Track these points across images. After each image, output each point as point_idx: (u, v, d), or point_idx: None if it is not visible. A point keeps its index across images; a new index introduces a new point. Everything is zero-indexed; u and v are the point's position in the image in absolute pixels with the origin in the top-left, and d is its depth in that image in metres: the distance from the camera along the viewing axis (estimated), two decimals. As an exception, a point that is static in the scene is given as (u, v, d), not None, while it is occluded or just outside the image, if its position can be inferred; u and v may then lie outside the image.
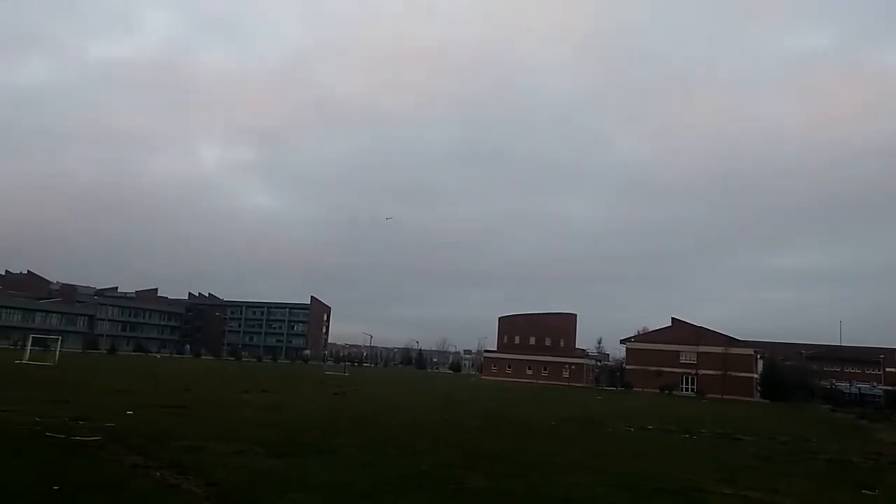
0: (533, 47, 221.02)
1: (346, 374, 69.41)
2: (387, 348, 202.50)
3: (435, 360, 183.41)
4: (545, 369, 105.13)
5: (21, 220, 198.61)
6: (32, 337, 63.14)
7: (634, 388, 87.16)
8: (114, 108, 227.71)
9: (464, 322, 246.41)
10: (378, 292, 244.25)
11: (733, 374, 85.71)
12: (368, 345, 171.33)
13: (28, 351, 55.26)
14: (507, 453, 15.81)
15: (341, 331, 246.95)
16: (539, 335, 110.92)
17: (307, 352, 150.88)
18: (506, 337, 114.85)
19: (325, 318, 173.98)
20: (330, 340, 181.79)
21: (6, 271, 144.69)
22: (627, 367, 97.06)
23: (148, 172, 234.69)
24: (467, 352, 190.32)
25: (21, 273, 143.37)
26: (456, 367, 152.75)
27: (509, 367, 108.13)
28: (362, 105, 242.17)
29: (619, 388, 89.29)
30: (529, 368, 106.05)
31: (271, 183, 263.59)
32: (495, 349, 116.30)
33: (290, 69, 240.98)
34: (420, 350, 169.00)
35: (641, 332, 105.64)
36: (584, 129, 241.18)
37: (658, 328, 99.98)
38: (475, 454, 15.27)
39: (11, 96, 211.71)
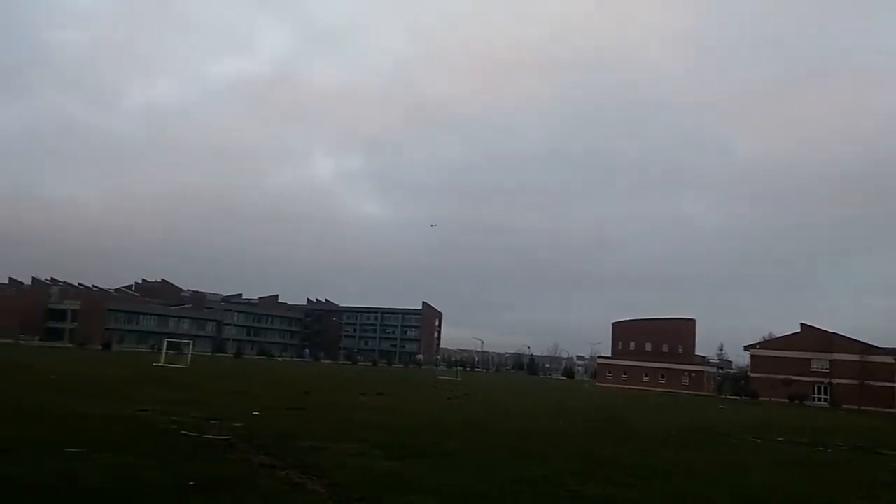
0: (643, 43, 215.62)
1: (459, 379, 69.89)
2: (498, 353, 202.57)
3: (547, 365, 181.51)
4: (662, 376, 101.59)
5: (155, 232, 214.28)
6: (167, 341, 67.61)
7: (760, 398, 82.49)
8: (233, 123, 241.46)
9: (576, 327, 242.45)
10: (489, 298, 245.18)
11: (871, 383, 79.32)
12: (480, 350, 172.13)
13: (163, 354, 59.22)
14: (625, 461, 15.31)
15: (453, 336, 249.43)
16: (656, 341, 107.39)
17: (420, 356, 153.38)
18: (620, 343, 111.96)
19: (437, 323, 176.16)
20: (442, 345, 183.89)
21: (143, 280, 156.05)
22: (752, 375, 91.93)
23: (267, 184, 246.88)
24: (580, 358, 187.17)
25: (156, 281, 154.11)
26: (569, 373, 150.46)
27: (625, 373, 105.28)
28: (467, 109, 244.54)
29: (744, 398, 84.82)
30: (646, 375, 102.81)
31: (381, 190, 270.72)
32: (609, 355, 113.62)
33: (396, 78, 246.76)
34: (532, 356, 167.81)
35: (767, 339, 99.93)
36: (702, 127, 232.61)
37: (785, 334, 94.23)
38: (591, 461, 14.90)
39: (144, 115, 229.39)
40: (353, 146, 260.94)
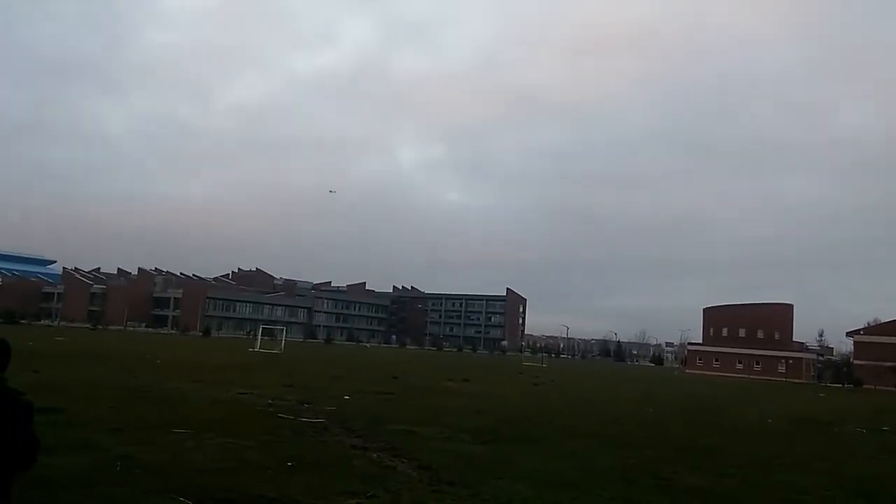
0: (738, 19, 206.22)
1: (544, 366, 69.58)
2: (584, 340, 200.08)
3: (634, 352, 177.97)
4: (758, 363, 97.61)
5: (249, 223, 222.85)
6: (262, 327, 70.36)
7: (865, 386, 78.14)
8: (320, 116, 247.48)
9: (665, 313, 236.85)
10: (574, 283, 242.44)
11: None
12: (565, 336, 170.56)
13: (259, 340, 61.72)
14: (719, 450, 14.94)
15: (538, 322, 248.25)
16: (750, 327, 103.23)
17: (504, 342, 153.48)
18: (712, 329, 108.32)
19: (521, 309, 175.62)
20: (526, 332, 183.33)
21: (238, 269, 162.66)
22: (856, 362, 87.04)
23: (353, 174, 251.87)
24: (669, 344, 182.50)
25: (251, 270, 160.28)
26: (657, 359, 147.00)
27: (716, 360, 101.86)
28: (557, 95, 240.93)
29: (846, 386, 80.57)
30: (740, 362, 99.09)
31: (465, 178, 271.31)
32: (700, 342, 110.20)
33: (483, 65, 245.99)
34: (619, 342, 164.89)
35: (872, 324, 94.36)
36: (800, 104, 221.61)
37: (893, 319, 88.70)
38: (684, 449, 14.60)
39: (236, 112, 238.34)
40: (438, 135, 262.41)
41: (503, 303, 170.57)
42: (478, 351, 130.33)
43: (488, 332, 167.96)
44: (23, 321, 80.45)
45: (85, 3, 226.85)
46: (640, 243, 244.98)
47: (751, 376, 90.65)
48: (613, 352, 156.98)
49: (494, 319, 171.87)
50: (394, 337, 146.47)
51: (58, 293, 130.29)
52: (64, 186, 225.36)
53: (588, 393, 33.82)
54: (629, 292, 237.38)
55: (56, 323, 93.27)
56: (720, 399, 37.22)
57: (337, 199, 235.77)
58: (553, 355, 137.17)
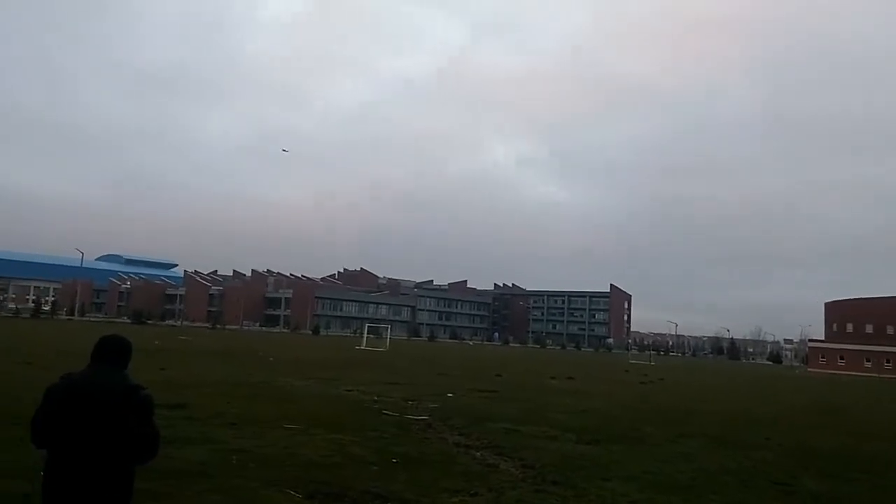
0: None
1: (652, 363, 67.60)
2: (694, 337, 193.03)
3: (750, 349, 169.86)
4: (888, 361, 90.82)
5: (353, 224, 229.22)
6: (367, 326, 72.16)
7: None
8: (414, 116, 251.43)
9: (782, 308, 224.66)
10: (682, 278, 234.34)
11: None
12: (674, 333, 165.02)
13: (365, 338, 63.33)
14: (844, 453, 13.97)
15: (644, 318, 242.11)
16: (879, 322, 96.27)
17: (610, 340, 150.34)
18: (835, 324, 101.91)
19: (626, 305, 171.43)
20: (632, 329, 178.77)
21: (344, 269, 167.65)
22: None
23: (449, 173, 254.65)
24: (787, 341, 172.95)
25: (356, 270, 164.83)
26: (775, 357, 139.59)
27: (841, 358, 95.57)
28: (649, 83, 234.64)
29: None
30: (868, 360, 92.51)
31: (564, 173, 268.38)
32: (822, 338, 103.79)
33: (576, 57, 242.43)
34: (732, 339, 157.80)
35: None
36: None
37: None
38: (806, 452, 13.75)
39: (335, 116, 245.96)
40: (534, 130, 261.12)
41: (607, 299, 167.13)
42: (582, 349, 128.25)
43: (592, 330, 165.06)
44: (149, 321, 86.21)
45: (189, 16, 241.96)
46: (749, 234, 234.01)
47: (881, 375, 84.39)
48: (727, 349, 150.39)
49: (598, 316, 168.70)
50: (496, 334, 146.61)
51: (180, 295, 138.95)
52: (181, 193, 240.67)
53: (699, 392, 32.53)
54: (741, 287, 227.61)
55: (179, 323, 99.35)
56: (845, 399, 34.86)
57: (436, 199, 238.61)
58: (661, 353, 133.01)
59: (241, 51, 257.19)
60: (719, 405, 24.74)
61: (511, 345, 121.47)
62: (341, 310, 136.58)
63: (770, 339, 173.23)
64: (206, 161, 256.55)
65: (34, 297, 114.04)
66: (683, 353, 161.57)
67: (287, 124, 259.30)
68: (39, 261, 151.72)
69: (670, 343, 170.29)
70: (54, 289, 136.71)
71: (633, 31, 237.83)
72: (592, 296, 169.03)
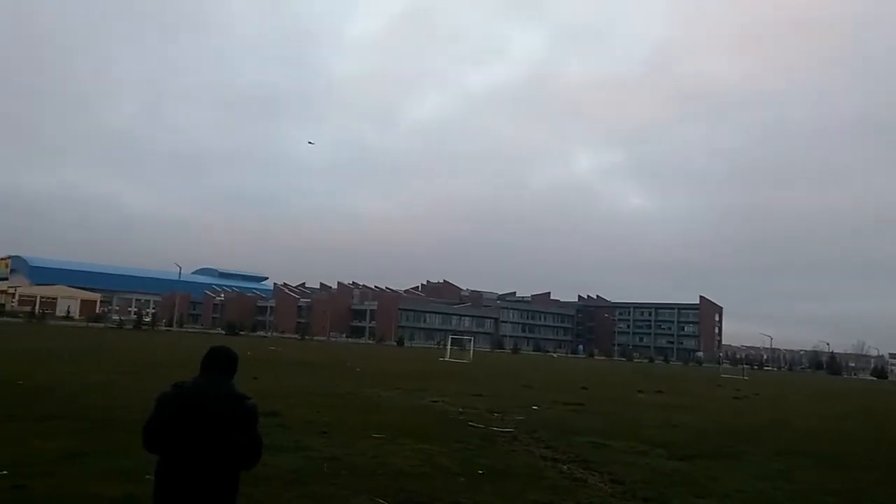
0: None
1: (746, 378, 64.85)
2: (790, 350, 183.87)
3: (852, 364, 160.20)
4: None
5: (436, 236, 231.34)
6: (451, 337, 72.46)
7: None
8: (496, 128, 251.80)
9: (887, 321, 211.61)
10: (776, 289, 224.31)
11: None
12: (768, 346, 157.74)
13: (448, 350, 63.60)
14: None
15: (735, 331, 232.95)
16: None
17: (700, 353, 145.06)
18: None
19: (717, 318, 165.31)
20: (724, 342, 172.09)
21: (427, 281, 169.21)
22: None
23: (532, 184, 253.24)
24: (893, 356, 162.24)
25: (438, 282, 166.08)
26: (879, 373, 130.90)
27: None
28: (733, 89, 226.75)
29: None
30: None
31: (647, 182, 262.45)
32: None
33: (656, 65, 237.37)
34: (832, 353, 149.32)
35: None
36: None
37: None
38: (919, 476, 12.85)
39: (418, 130, 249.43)
40: (614, 139, 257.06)
41: (696, 311, 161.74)
42: (670, 362, 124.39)
43: (681, 343, 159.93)
44: (241, 332, 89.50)
45: (278, 38, 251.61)
46: (847, 243, 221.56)
47: None
48: (826, 364, 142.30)
49: (687, 329, 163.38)
50: (581, 347, 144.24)
51: (270, 307, 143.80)
52: (271, 209, 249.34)
53: (798, 407, 30.94)
54: (841, 298, 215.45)
55: (269, 334, 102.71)
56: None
57: (518, 210, 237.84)
58: (755, 367, 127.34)
59: (328, 70, 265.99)
60: (819, 422, 23.46)
61: (596, 357, 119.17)
62: (425, 321, 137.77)
63: (874, 353, 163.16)
64: (295, 177, 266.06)
65: (136, 310, 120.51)
66: (779, 368, 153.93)
67: (373, 139, 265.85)
68: (141, 275, 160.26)
69: (765, 357, 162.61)
70: (154, 301, 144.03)
71: (716, 37, 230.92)
72: (681, 308, 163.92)
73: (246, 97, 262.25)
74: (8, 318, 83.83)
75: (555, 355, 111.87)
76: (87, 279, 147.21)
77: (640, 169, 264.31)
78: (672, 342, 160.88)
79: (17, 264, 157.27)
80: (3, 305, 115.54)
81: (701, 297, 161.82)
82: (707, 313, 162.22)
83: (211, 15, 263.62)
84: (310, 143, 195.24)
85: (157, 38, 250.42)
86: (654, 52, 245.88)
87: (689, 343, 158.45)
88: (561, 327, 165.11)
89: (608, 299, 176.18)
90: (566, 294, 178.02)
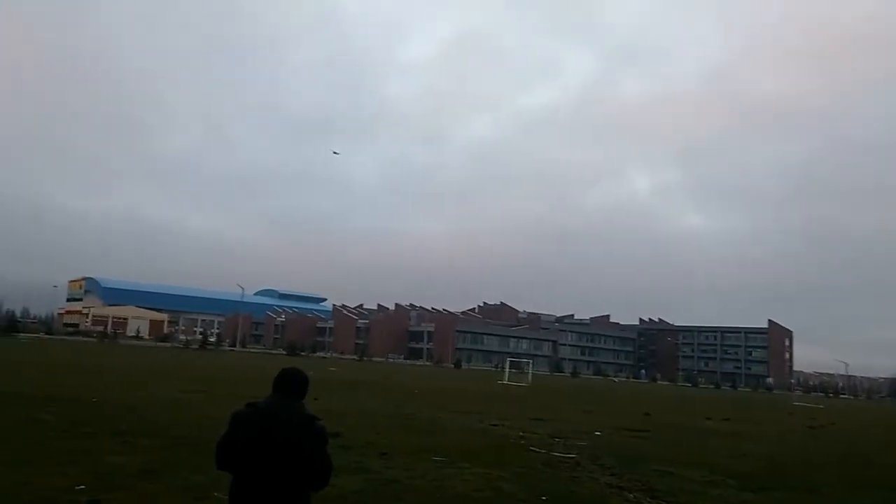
0: None
1: (820, 406, 62.13)
2: (868, 378, 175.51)
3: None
4: None
5: (492, 258, 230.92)
6: (509, 360, 71.88)
7: None
8: (550, 148, 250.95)
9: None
10: (852, 313, 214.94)
11: None
12: (844, 373, 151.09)
13: (507, 372, 63.08)
14: None
15: (807, 357, 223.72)
16: None
17: (769, 379, 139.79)
18: None
19: (787, 342, 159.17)
20: (795, 368, 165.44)
21: (484, 303, 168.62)
22: None
23: (587, 204, 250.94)
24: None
25: (495, 304, 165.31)
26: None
27: None
28: (791, 104, 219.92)
29: None
30: None
31: (706, 201, 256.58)
32: None
33: (710, 81, 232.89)
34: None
35: None
36: None
37: None
38: None
39: (470, 151, 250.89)
40: (671, 158, 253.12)
41: (765, 335, 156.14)
42: (738, 388, 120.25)
43: (749, 368, 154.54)
44: (302, 353, 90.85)
45: (333, 63, 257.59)
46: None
47: None
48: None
49: (755, 354, 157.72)
50: (643, 371, 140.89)
51: (329, 328, 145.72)
52: (328, 230, 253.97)
53: (878, 438, 29.40)
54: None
55: (329, 355, 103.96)
56: None
57: (574, 231, 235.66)
58: (829, 395, 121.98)
59: (382, 93, 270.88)
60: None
61: (659, 382, 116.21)
62: (482, 343, 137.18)
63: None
64: (350, 198, 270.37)
65: (201, 330, 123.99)
66: (856, 396, 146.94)
67: (426, 161, 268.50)
68: (205, 295, 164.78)
69: (840, 384, 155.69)
70: (218, 322, 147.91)
71: (772, 50, 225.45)
72: (748, 332, 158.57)
73: (302, 120, 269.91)
74: (82, 338, 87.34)
75: (616, 380, 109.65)
76: (154, 300, 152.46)
77: (699, 187, 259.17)
78: (739, 367, 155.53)
79: (91, 286, 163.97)
80: (78, 325, 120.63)
81: (769, 320, 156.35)
82: (776, 337, 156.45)
83: (268, 41, 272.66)
84: (335, 153, 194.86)
85: (216, 64, 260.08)
86: (710, 69, 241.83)
87: (758, 369, 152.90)
88: (622, 351, 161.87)
89: (671, 322, 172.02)
90: (626, 317, 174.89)
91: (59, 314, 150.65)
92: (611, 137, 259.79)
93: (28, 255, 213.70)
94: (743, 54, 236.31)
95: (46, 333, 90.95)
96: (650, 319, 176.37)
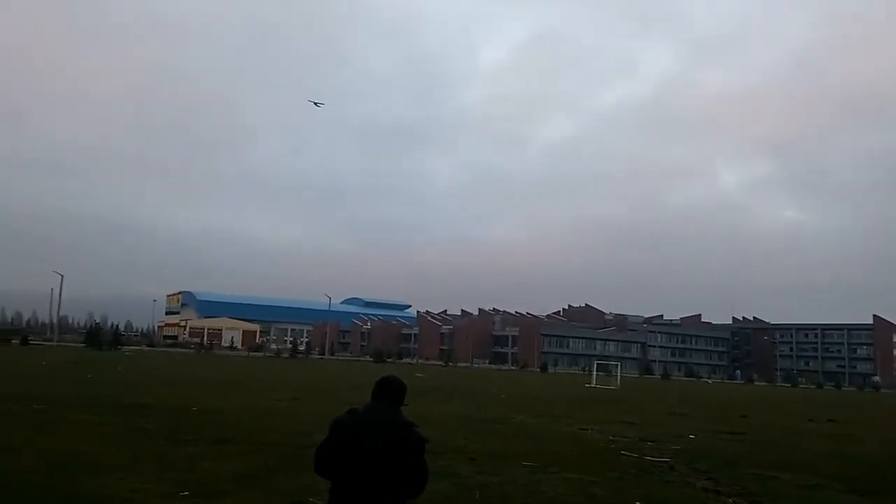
0: None
1: (934, 405, 58.05)
2: None
3: None
4: None
5: (573, 260, 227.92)
6: (596, 363, 70.70)
7: None
8: (631, 146, 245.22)
9: None
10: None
11: None
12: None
13: (594, 375, 62.05)
14: None
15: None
16: None
17: (876, 378, 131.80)
18: None
19: (894, 339, 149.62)
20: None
21: (568, 305, 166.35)
22: None
23: (673, 203, 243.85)
24: None
25: (580, 306, 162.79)
26: None
27: None
28: (888, 91, 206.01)
29: None
30: None
31: (800, 195, 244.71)
32: None
33: (800, 69, 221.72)
34: None
35: None
36: None
37: None
38: None
39: (549, 153, 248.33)
40: (761, 151, 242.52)
41: (869, 332, 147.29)
42: (842, 388, 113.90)
43: (854, 367, 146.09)
44: (388, 360, 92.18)
45: (412, 72, 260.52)
46: None
47: None
48: None
49: (860, 351, 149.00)
50: (738, 372, 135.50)
51: (414, 334, 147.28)
52: (411, 238, 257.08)
53: None
54: None
55: (415, 361, 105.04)
56: None
57: (660, 230, 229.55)
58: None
59: (459, 99, 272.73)
60: None
61: (756, 383, 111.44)
62: (568, 347, 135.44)
63: None
64: (434, 206, 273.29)
65: (291, 339, 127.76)
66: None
67: (506, 164, 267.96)
68: (294, 305, 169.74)
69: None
70: (307, 330, 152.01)
71: (866, 36, 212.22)
72: (851, 328, 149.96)
73: (382, 130, 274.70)
74: (181, 349, 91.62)
75: (709, 381, 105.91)
76: (246, 311, 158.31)
77: (793, 180, 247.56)
78: (843, 366, 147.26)
79: (187, 299, 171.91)
80: (177, 337, 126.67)
81: (875, 316, 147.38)
82: (883, 334, 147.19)
83: (345, 53, 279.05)
84: (316, 104, 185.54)
85: (295, 78, 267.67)
86: (795, 57, 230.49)
87: (864, 367, 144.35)
88: (714, 351, 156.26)
89: (766, 320, 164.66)
90: (718, 316, 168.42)
91: (159, 327, 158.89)
92: (693, 133, 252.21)
93: (128, 271, 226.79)
94: (836, 41, 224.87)
95: (148, 346, 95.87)
96: (744, 318, 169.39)
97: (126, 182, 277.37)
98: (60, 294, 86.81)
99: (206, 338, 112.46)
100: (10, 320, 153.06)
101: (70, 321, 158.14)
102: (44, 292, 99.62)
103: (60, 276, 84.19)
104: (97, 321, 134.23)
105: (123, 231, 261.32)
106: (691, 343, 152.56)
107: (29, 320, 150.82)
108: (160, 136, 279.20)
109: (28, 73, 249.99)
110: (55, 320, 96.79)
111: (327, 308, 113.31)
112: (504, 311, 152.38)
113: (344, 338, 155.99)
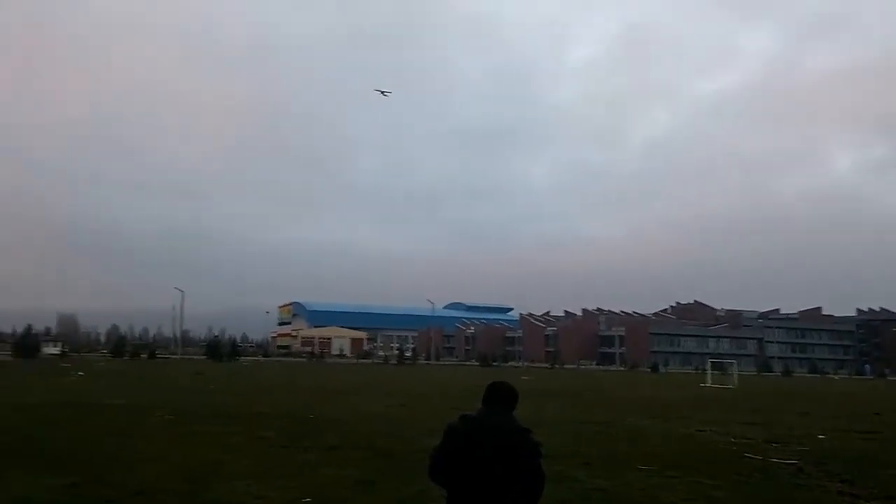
0: None
1: None
2: None
3: None
4: None
5: (679, 256, 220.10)
6: (710, 361, 67.86)
7: None
8: (735, 135, 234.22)
9: None
10: None
11: None
12: None
13: (709, 374, 59.61)
14: None
15: None
16: None
17: None
18: None
19: None
20: None
21: (677, 303, 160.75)
22: None
23: (784, 191, 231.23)
24: None
25: (689, 303, 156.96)
26: None
27: None
28: None
29: None
30: None
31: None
32: None
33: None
34: None
35: None
36: None
37: None
38: None
39: (648, 147, 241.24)
40: (878, 132, 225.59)
41: None
42: None
43: None
44: (494, 363, 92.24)
45: (502, 73, 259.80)
46: None
47: None
48: None
49: None
50: (867, 367, 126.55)
51: (517, 337, 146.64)
52: (510, 240, 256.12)
53: None
54: None
55: (521, 364, 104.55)
56: None
57: (771, 220, 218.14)
58: None
59: (552, 98, 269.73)
60: None
61: (889, 378, 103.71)
62: (678, 345, 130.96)
63: None
64: (531, 207, 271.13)
65: (398, 346, 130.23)
66: None
67: (603, 162, 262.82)
68: (399, 312, 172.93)
69: None
70: (412, 337, 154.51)
71: None
72: None
73: (476, 133, 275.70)
74: (293, 358, 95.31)
75: (835, 377, 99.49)
76: (354, 319, 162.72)
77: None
78: None
79: (298, 310, 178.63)
80: (289, 347, 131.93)
81: None
82: None
83: (436, 62, 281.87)
84: (383, 93, 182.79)
85: (392, 90, 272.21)
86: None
87: None
88: (839, 345, 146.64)
89: (895, 311, 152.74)
90: (840, 308, 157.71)
91: (272, 337, 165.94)
92: (801, 117, 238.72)
93: (242, 285, 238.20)
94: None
95: (263, 356, 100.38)
96: (870, 309, 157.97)
97: (240, 202, 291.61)
98: (182, 309, 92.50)
99: (316, 346, 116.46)
100: (138, 336, 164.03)
101: (191, 335, 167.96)
102: (167, 308, 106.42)
103: (181, 293, 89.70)
104: (216, 334, 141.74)
105: (235, 246, 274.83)
106: (812, 338, 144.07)
107: (155, 335, 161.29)
108: (271, 159, 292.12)
109: (146, 104, 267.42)
110: (178, 334, 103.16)
111: (431, 314, 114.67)
112: (609, 311, 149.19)
113: (448, 343, 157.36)
